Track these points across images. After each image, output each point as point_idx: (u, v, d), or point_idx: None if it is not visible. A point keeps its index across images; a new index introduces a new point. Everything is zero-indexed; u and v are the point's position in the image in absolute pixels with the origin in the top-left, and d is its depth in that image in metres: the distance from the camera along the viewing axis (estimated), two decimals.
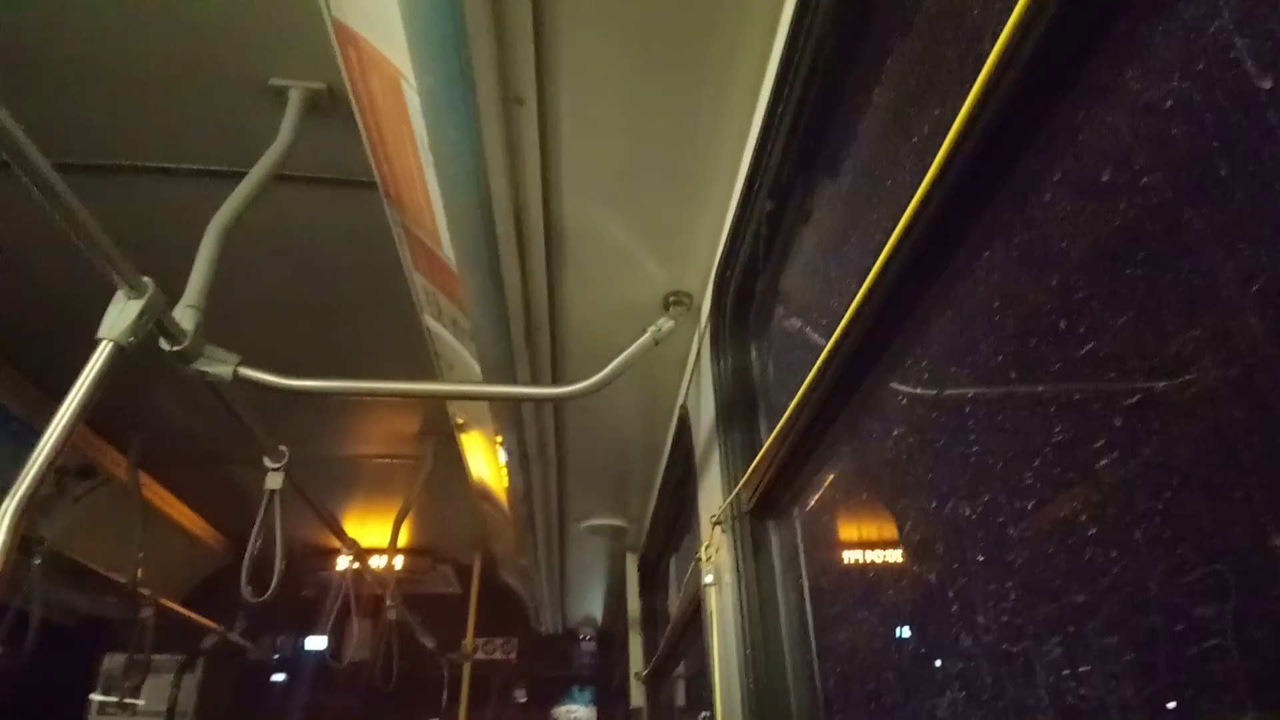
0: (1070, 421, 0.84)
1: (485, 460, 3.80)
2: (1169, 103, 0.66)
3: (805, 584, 1.72)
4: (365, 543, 4.64)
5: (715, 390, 2.04)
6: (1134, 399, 0.73)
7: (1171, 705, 0.71)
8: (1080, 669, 0.85)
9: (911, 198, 0.96)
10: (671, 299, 2.20)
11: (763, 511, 1.83)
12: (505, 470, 3.46)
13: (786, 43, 1.33)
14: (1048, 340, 0.86)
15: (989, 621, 1.05)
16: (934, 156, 0.89)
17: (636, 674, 4.82)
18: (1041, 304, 0.87)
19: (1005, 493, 0.98)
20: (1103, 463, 0.78)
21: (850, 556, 1.58)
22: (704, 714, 4.46)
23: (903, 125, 1.20)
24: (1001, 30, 0.74)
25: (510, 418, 2.85)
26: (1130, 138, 0.72)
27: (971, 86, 0.80)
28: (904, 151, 1.18)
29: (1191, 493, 0.68)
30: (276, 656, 7.28)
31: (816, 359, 1.32)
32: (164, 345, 1.58)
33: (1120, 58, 0.72)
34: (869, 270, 1.11)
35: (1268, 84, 0.56)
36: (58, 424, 1.30)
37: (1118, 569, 0.77)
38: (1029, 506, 0.94)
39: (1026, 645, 0.95)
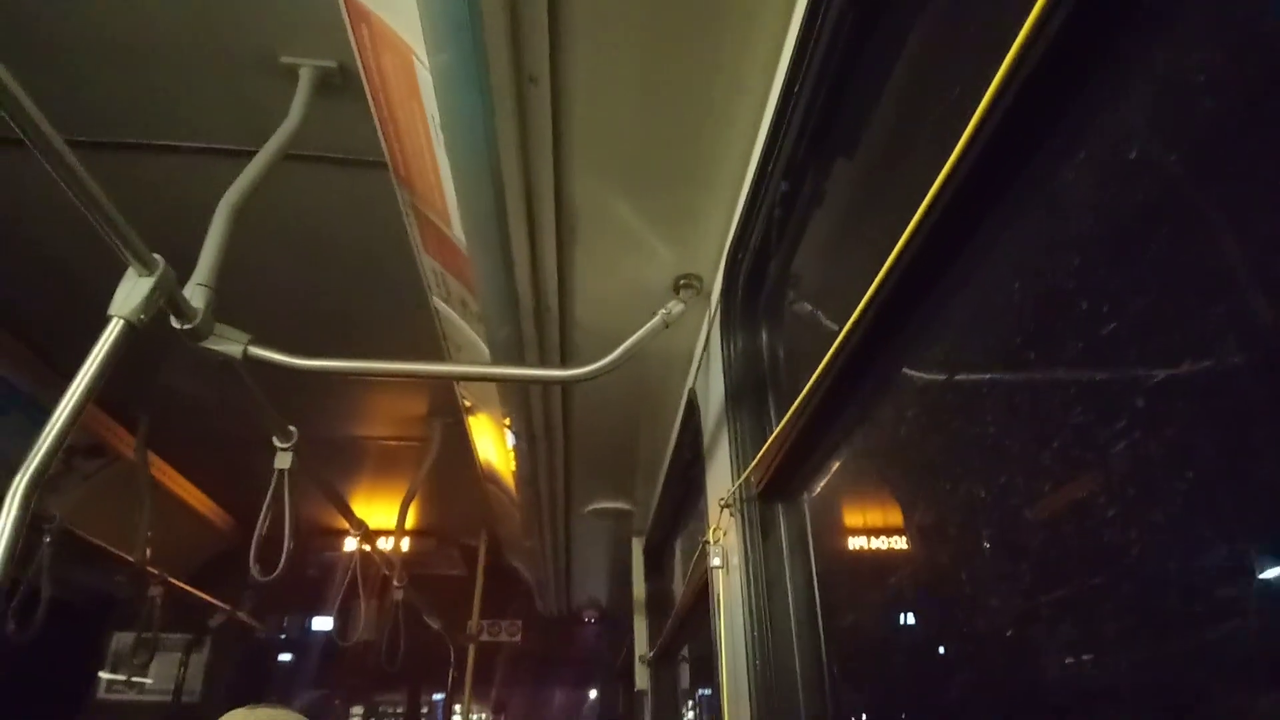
0: (1089, 403, 0.83)
1: (492, 443, 3.81)
2: (1200, 77, 0.65)
3: (813, 567, 1.72)
4: (373, 524, 4.66)
5: (725, 374, 2.04)
6: (1156, 380, 0.72)
7: (1191, 686, 0.70)
8: (1094, 651, 0.85)
9: (930, 178, 0.95)
10: (682, 282, 2.19)
11: (772, 495, 1.83)
12: (512, 453, 3.46)
13: (804, 20, 1.32)
14: (1068, 322, 0.86)
15: (1001, 605, 1.04)
16: (955, 137, 0.88)
17: (641, 656, 4.84)
18: (1062, 285, 0.86)
19: (1021, 475, 0.98)
20: (1122, 445, 0.77)
21: (859, 541, 1.58)
22: (704, 691, 4.50)
23: (923, 104, 1.18)
24: (1031, 7, 0.72)
25: (518, 400, 2.84)
26: (1159, 114, 0.71)
27: (996, 64, 0.79)
28: (923, 132, 1.17)
29: (1213, 474, 0.67)
30: (283, 636, 7.35)
31: (829, 343, 1.32)
32: (174, 323, 1.58)
33: (1150, 32, 0.70)
34: (885, 253, 1.10)
35: None
36: (68, 402, 1.30)
37: (1135, 551, 0.77)
38: (1045, 489, 0.93)
39: (1039, 628, 0.95)
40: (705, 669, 4.39)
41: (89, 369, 1.33)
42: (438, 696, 7.47)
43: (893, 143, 1.34)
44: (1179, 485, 0.71)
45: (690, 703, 4.79)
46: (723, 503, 1.96)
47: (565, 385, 2.82)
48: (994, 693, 1.07)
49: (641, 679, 4.83)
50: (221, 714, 1.60)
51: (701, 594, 2.59)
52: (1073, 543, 0.88)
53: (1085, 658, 0.87)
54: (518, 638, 7.35)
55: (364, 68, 1.87)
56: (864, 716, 1.55)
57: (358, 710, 7.51)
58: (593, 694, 8.12)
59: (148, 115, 2.25)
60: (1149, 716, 0.77)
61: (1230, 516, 0.66)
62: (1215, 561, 0.67)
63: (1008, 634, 1.03)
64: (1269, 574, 0.61)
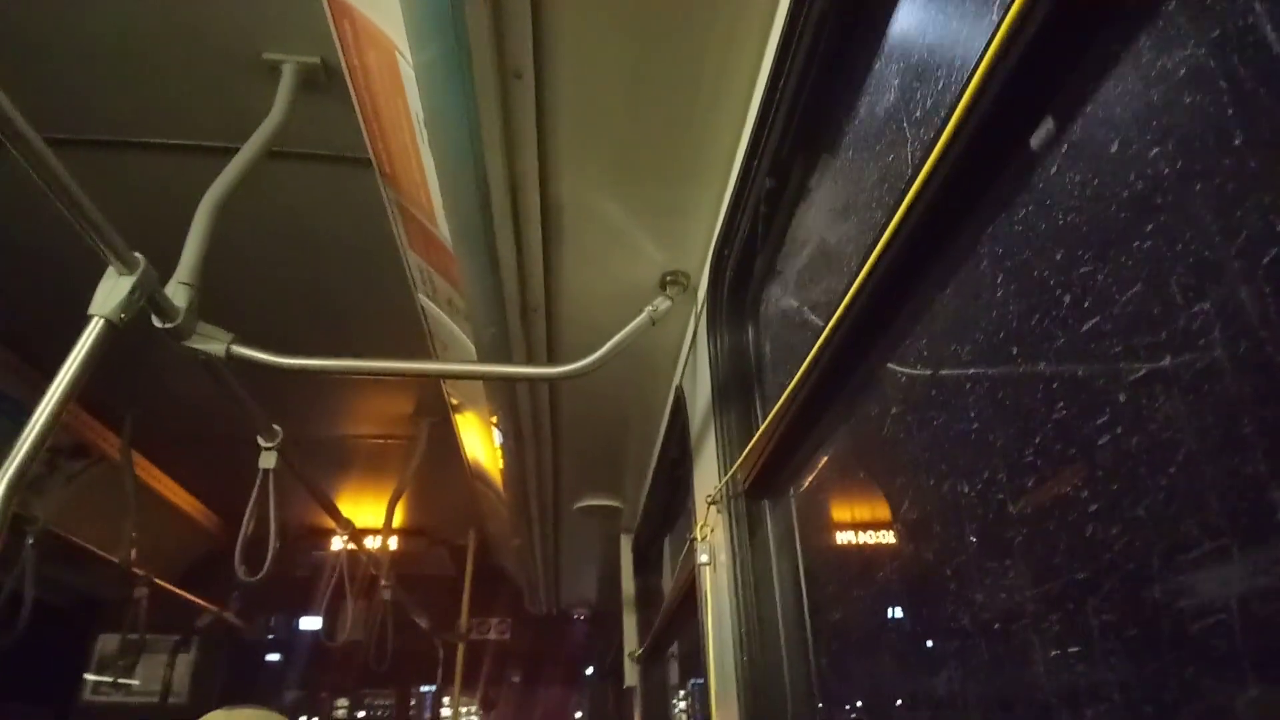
0: (1072, 398, 0.84)
1: (480, 441, 3.80)
2: (1182, 71, 0.65)
3: (800, 563, 1.72)
4: (360, 523, 4.64)
5: (711, 370, 2.04)
6: (1139, 374, 0.72)
7: (1173, 683, 0.71)
8: (1079, 647, 0.85)
9: (914, 173, 0.95)
10: (668, 278, 2.19)
11: (758, 491, 1.83)
12: (500, 451, 3.45)
13: (788, 16, 1.32)
14: (1051, 316, 0.86)
15: (986, 599, 1.05)
16: (938, 131, 0.88)
17: (630, 653, 4.84)
18: (1045, 279, 0.86)
19: (1004, 470, 0.98)
20: (1105, 439, 0.78)
21: (845, 536, 1.59)
22: (696, 681, 4.50)
23: (906, 99, 1.18)
24: (1010, 2, 0.73)
25: (505, 398, 2.84)
26: (1142, 108, 0.71)
27: (977, 59, 0.79)
28: (907, 126, 1.17)
29: (1196, 468, 0.68)
30: (271, 636, 7.31)
31: (814, 339, 1.32)
32: (156, 322, 1.57)
33: (1133, 25, 0.71)
34: (869, 248, 1.10)
35: None
36: (49, 402, 1.29)
37: (1119, 546, 0.77)
38: (1028, 484, 0.93)
39: (1024, 623, 0.95)
40: (694, 665, 4.40)
41: (69, 369, 1.32)
42: (426, 688, 7.45)
43: (877, 137, 1.34)
44: (1163, 480, 0.71)
45: (681, 693, 4.80)
46: (710, 499, 1.96)
47: (552, 383, 2.81)
48: (980, 687, 1.08)
49: (631, 676, 4.83)
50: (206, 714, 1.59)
51: (689, 591, 2.59)
52: (1057, 538, 0.88)
53: (1071, 651, 0.87)
54: (507, 636, 7.34)
55: (347, 64, 1.86)
56: (850, 711, 1.55)
57: (343, 703, 7.46)
58: (582, 691, 8.12)
59: (128, 112, 2.23)
60: (1134, 713, 0.77)
61: (1215, 512, 0.66)
62: (1200, 557, 0.67)
63: (994, 628, 1.03)
64: (1253, 570, 0.61)
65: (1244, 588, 0.62)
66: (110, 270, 1.40)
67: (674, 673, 4.85)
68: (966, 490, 1.08)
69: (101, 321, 1.36)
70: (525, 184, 1.77)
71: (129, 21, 1.96)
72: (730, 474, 1.86)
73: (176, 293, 1.60)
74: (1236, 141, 0.61)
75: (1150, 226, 0.71)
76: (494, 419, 3.11)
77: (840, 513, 1.60)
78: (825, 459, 1.62)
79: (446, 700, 6.89)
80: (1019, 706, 0.98)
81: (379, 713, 7.50)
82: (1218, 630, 0.64)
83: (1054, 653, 0.90)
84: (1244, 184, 0.61)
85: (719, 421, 1.98)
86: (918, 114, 1.14)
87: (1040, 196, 0.87)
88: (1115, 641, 0.79)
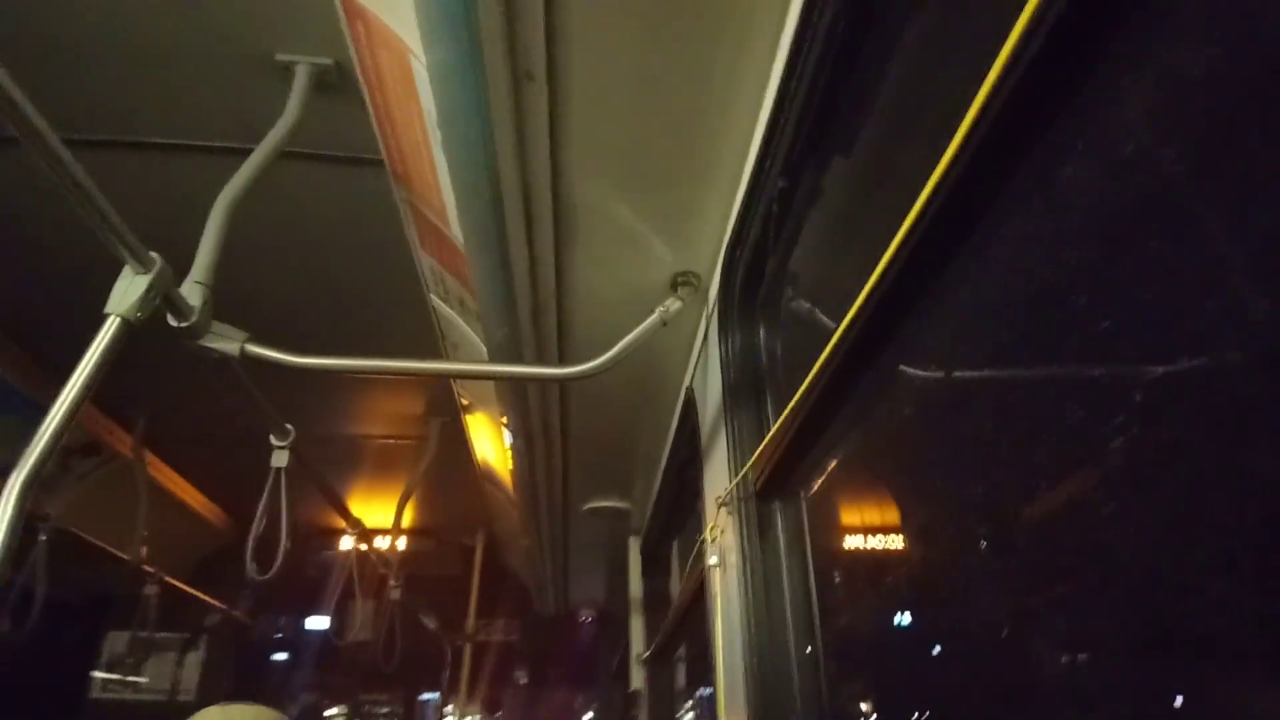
0: (1086, 401, 0.83)
1: (490, 442, 3.80)
2: (1198, 73, 0.65)
3: (810, 566, 1.72)
4: (369, 523, 4.66)
5: (722, 372, 2.03)
6: (1153, 376, 0.72)
7: (1187, 683, 0.70)
8: (1089, 649, 0.85)
9: (928, 174, 0.95)
10: (679, 279, 2.19)
11: (769, 493, 1.83)
12: (510, 452, 3.46)
13: (800, 16, 1.32)
14: (1065, 318, 0.86)
15: (998, 602, 1.05)
16: (952, 132, 0.88)
17: (637, 656, 4.84)
18: (1059, 282, 0.86)
19: (1018, 473, 0.98)
20: (1118, 441, 0.77)
21: (857, 539, 1.58)
22: (704, 690, 4.49)
23: (920, 100, 1.18)
24: (1026, 1, 0.72)
25: (516, 399, 2.84)
26: (1157, 110, 0.71)
27: (992, 59, 0.79)
28: (920, 127, 1.17)
29: (1209, 470, 0.67)
30: (279, 635, 7.33)
31: (826, 340, 1.31)
32: (171, 321, 1.58)
33: (1149, 28, 0.70)
34: (882, 249, 1.10)
35: None
36: (64, 400, 1.30)
37: (1131, 548, 0.77)
38: (1042, 486, 0.93)
39: (1036, 625, 0.95)
40: (701, 668, 4.40)
41: (85, 367, 1.33)
42: (425, 697, 7.45)
43: (890, 138, 1.34)
44: (1176, 482, 0.71)
45: (689, 703, 4.79)
46: (720, 501, 1.96)
47: (563, 383, 2.81)
48: (990, 691, 1.07)
49: (637, 678, 4.82)
50: None
51: (698, 593, 2.58)
52: (1070, 540, 0.88)
53: (1081, 656, 0.87)
54: (514, 637, 7.35)
55: (360, 65, 1.87)
56: (860, 716, 1.55)
57: (334, 710, 7.45)
58: (589, 693, 8.12)
59: (144, 113, 2.25)
60: (1143, 714, 0.77)
61: (1227, 512, 0.66)
62: (1212, 559, 0.67)
63: (1004, 632, 1.03)
64: (1265, 571, 0.61)
65: (1257, 590, 0.62)
66: (126, 269, 1.41)
67: (681, 676, 4.84)
68: (979, 492, 1.08)
69: (117, 320, 1.37)
70: (537, 185, 1.78)
71: (144, 23, 1.97)
72: (741, 475, 1.86)
73: (191, 292, 1.61)
74: (1251, 144, 0.61)
75: (1161, 228, 0.71)
76: (504, 419, 3.12)
77: (851, 516, 1.59)
78: (837, 461, 1.62)
79: (450, 706, 6.90)
80: (1031, 710, 0.97)
81: (379, 708, 7.51)
82: (1231, 632, 0.64)
83: (1065, 656, 0.90)
84: (1261, 186, 0.61)
85: (730, 423, 1.98)
86: (931, 114, 1.14)
87: (1055, 198, 0.87)
88: (1127, 646, 0.78)
